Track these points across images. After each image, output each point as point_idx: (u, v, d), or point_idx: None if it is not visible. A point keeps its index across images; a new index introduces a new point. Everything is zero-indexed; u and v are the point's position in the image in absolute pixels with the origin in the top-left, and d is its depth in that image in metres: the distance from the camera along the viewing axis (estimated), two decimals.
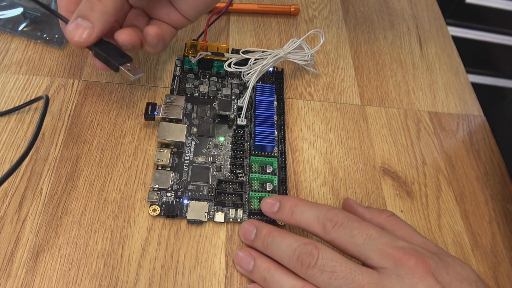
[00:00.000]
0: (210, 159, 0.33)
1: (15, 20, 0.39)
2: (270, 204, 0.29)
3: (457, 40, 0.49)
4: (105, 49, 0.30)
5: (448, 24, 0.51)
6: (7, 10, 0.39)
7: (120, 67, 0.30)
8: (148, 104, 0.34)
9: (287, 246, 0.27)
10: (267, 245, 0.28)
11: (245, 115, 0.35)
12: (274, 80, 0.40)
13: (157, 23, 0.34)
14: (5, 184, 0.30)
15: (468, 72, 0.46)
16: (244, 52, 0.37)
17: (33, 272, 0.27)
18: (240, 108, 0.36)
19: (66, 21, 0.30)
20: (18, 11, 0.39)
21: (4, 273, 0.27)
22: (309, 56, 0.38)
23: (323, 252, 0.25)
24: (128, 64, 0.31)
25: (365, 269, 0.24)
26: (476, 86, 0.45)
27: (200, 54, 0.36)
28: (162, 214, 0.30)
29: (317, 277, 0.25)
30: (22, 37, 0.38)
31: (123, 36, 0.30)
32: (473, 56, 1.15)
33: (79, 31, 0.29)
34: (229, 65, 0.36)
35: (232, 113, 0.36)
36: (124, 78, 0.37)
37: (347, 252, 0.26)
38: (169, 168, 0.32)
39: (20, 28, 0.38)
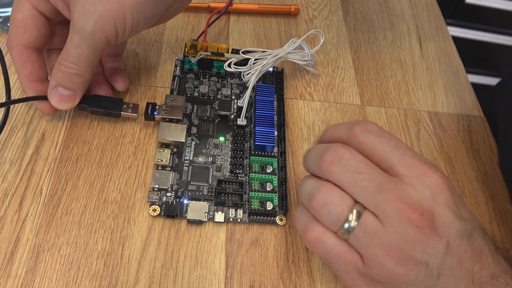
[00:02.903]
0: (210, 159, 0.33)
1: None
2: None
3: (457, 40, 0.48)
4: (97, 103, 0.33)
5: (448, 24, 0.51)
6: (8, 8, 0.39)
7: (122, 113, 0.33)
8: (148, 104, 0.34)
9: (317, 151, 0.26)
10: (306, 162, 0.27)
11: (245, 115, 0.35)
12: (274, 80, 0.40)
13: (115, 61, 0.36)
14: (5, 184, 0.30)
15: (468, 72, 0.46)
16: (244, 52, 0.36)
17: (33, 272, 0.27)
18: (240, 108, 0.36)
19: (43, 98, 0.31)
20: None
21: (4, 273, 0.27)
22: (309, 56, 0.38)
23: (350, 151, 0.24)
24: (125, 106, 0.33)
25: (392, 177, 0.24)
26: (476, 86, 0.45)
27: (200, 54, 0.36)
28: (162, 214, 0.30)
29: (341, 175, 0.24)
30: None
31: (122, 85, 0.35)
32: (473, 56, 1.15)
33: (64, 101, 0.30)
34: (229, 65, 0.36)
35: (232, 113, 0.36)
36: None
37: (373, 157, 0.25)
38: (169, 168, 0.32)
39: None
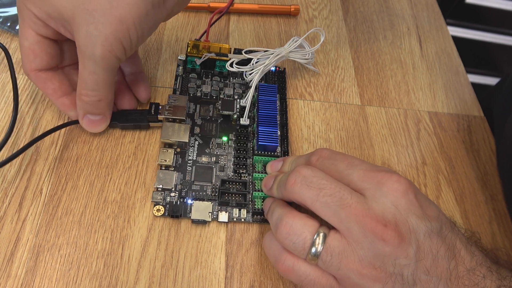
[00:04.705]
0: (214, 159, 0.34)
1: (14, 18, 0.39)
2: (276, 163, 0.32)
3: (457, 40, 0.49)
4: (125, 118, 0.33)
5: (448, 24, 0.51)
6: (8, 8, 0.39)
7: (150, 123, 0.34)
8: (151, 104, 0.34)
9: (283, 176, 0.27)
10: (279, 189, 0.28)
11: (248, 114, 0.35)
12: (277, 79, 0.40)
13: (133, 63, 0.36)
14: (5, 184, 0.30)
15: (468, 72, 0.46)
16: (246, 52, 0.36)
17: (33, 272, 0.27)
18: (242, 108, 0.36)
19: (75, 123, 0.32)
20: None
21: (4, 273, 0.27)
22: (310, 54, 0.38)
23: (312, 169, 0.25)
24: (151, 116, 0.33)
25: (353, 191, 0.25)
26: (476, 86, 0.45)
27: (205, 56, 0.36)
28: (166, 214, 0.30)
29: (304, 193, 0.25)
30: None
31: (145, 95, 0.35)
32: (473, 56, 1.15)
33: (97, 125, 0.32)
34: (231, 65, 0.36)
35: (235, 113, 0.36)
36: None
37: None
38: (173, 168, 0.32)
39: (18, 27, 0.38)
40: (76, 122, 0.32)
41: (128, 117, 0.33)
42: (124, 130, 0.34)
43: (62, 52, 0.32)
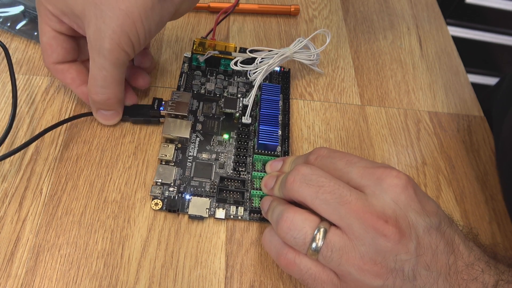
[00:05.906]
0: (214, 156, 0.34)
1: (14, 18, 0.39)
2: (276, 163, 0.32)
3: (457, 40, 0.49)
4: (137, 113, 0.34)
5: (448, 24, 0.51)
6: (8, 8, 0.39)
7: (161, 119, 0.34)
8: (154, 99, 0.34)
9: (284, 176, 0.28)
10: (284, 189, 0.28)
11: (250, 113, 0.35)
12: (281, 79, 0.40)
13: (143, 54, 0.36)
14: (5, 184, 0.30)
15: (468, 72, 0.46)
16: (251, 51, 0.36)
17: (33, 272, 0.27)
18: (245, 107, 0.36)
19: (89, 114, 0.34)
20: (18, 9, 0.39)
21: (4, 273, 0.27)
22: (315, 55, 0.38)
23: (310, 168, 0.26)
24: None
25: (353, 188, 0.25)
26: (476, 86, 0.45)
27: (209, 53, 0.36)
28: (164, 208, 0.30)
29: (303, 191, 0.25)
30: (22, 37, 0.38)
31: (132, 100, 0.35)
32: (473, 56, 1.15)
33: (109, 119, 0.33)
34: (235, 64, 0.36)
35: (237, 111, 0.36)
36: None
37: None
38: (173, 164, 0.32)
39: (18, 27, 0.38)
40: (90, 113, 0.33)
41: (139, 112, 0.34)
42: (124, 130, 0.34)
43: (80, 47, 0.33)
